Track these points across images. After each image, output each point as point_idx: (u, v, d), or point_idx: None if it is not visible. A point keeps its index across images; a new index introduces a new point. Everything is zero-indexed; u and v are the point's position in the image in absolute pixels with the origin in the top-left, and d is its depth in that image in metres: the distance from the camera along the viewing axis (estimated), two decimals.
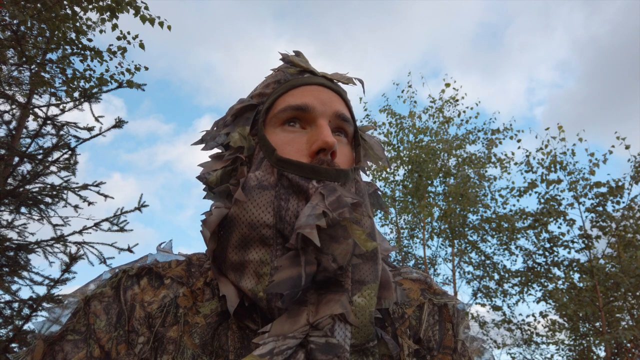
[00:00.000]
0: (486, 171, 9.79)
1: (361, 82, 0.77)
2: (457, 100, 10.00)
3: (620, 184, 8.02)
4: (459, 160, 9.80)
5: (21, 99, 4.99)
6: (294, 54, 0.77)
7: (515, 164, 9.51)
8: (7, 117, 4.75)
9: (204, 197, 0.73)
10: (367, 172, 10.13)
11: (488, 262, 9.72)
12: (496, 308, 9.66)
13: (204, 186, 0.72)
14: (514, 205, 9.41)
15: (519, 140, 9.50)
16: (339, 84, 0.76)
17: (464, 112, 10.07)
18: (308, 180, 0.61)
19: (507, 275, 9.49)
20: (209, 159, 0.72)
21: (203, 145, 0.74)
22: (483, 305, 9.85)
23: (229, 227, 0.63)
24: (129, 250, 4.68)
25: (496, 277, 9.66)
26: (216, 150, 0.73)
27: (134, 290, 0.67)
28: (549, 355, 10.09)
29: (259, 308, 0.62)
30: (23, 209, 4.52)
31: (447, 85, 9.90)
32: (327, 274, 0.58)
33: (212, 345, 0.62)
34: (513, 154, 9.73)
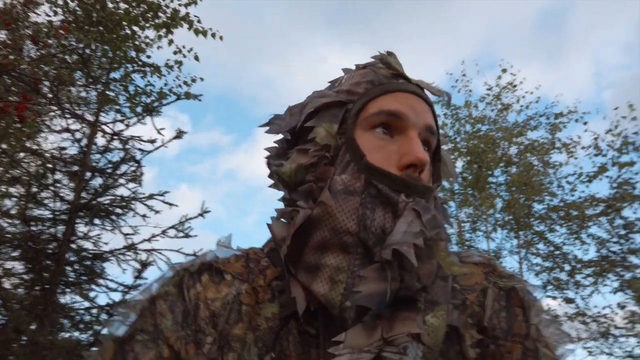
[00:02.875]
0: (550, 157, 9.38)
1: (449, 96, 0.76)
2: (515, 86, 9.63)
3: None
4: (520, 148, 9.44)
5: (90, 118, 5.33)
6: (386, 53, 0.74)
7: (583, 148, 9.04)
8: (78, 135, 5.11)
9: (271, 186, 0.72)
10: None
11: (557, 252, 9.32)
12: (569, 300, 9.24)
13: (274, 176, 0.71)
14: (583, 192, 8.94)
15: (585, 123, 9.02)
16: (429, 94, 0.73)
17: (524, 97, 9.69)
18: (398, 193, 0.61)
19: (579, 266, 9.06)
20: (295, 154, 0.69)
21: (268, 127, 0.72)
22: (554, 298, 9.45)
23: (310, 228, 0.62)
24: (195, 255, 4.88)
25: (567, 268, 9.24)
26: (280, 136, 0.72)
27: (196, 288, 0.67)
28: (629, 349, 9.53)
29: (320, 314, 0.62)
30: (97, 221, 4.84)
31: (504, 70, 9.56)
32: (409, 292, 0.58)
33: (273, 349, 0.62)
34: (579, 137, 9.25)
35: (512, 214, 9.04)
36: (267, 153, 0.73)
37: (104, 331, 0.68)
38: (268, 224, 0.68)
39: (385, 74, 0.70)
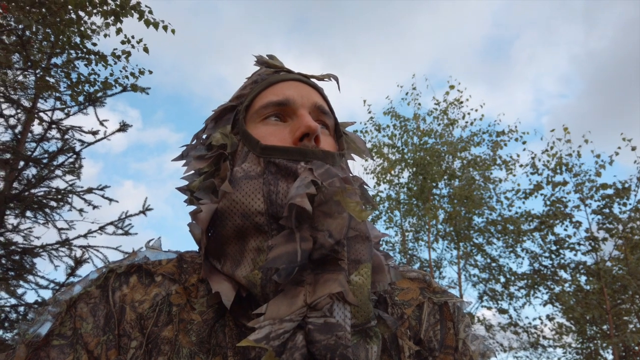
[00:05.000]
0: (491, 173, 9.76)
1: (335, 78, 0.78)
2: (461, 103, 9.98)
3: (626, 185, 7.97)
4: (463, 163, 9.77)
5: (26, 104, 5.02)
6: (267, 57, 0.79)
7: (521, 166, 9.46)
8: (12, 121, 4.79)
9: (188, 204, 0.71)
10: (372, 175, 10.13)
11: (494, 264, 9.68)
12: (502, 311, 9.60)
13: (186, 197, 0.71)
14: (519, 208, 9.35)
15: (524, 142, 9.46)
16: (315, 81, 0.77)
17: (469, 114, 10.05)
18: (296, 162, 0.61)
19: (513, 278, 9.44)
20: (193, 161, 0.72)
21: (184, 161, 0.73)
22: (489, 308, 9.80)
23: (221, 220, 0.62)
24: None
25: (502, 279, 9.61)
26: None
27: (122, 291, 0.64)
28: (555, 359, 10.03)
29: (253, 304, 0.61)
30: (28, 213, 4.54)
31: (452, 87, 9.88)
32: (324, 250, 0.57)
33: (209, 342, 0.60)
34: (518, 156, 9.70)
35: (453, 225, 9.30)
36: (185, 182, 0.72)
37: (19, 331, 0.63)
38: (189, 225, 0.67)
39: (267, 73, 0.74)
